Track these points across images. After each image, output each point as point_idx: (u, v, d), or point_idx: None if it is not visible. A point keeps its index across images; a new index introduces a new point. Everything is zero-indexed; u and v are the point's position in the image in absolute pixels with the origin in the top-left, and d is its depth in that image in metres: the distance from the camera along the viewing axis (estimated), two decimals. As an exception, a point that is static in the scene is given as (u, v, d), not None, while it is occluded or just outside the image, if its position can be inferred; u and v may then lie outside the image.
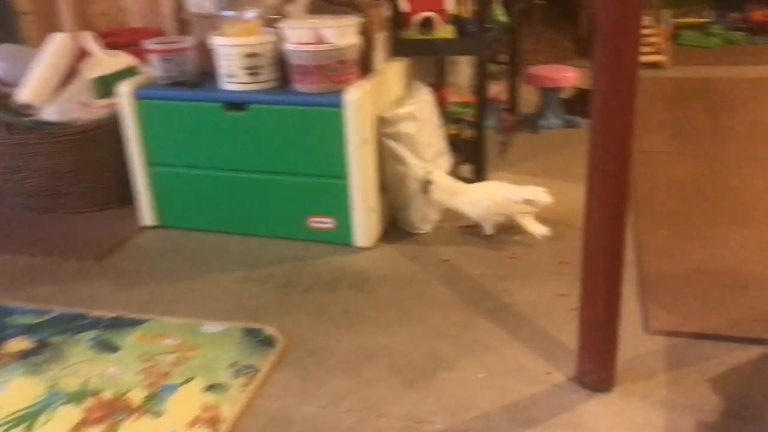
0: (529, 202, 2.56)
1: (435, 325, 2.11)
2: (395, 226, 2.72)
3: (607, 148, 1.58)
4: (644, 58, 4.89)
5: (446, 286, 2.31)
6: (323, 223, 2.60)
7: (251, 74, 2.50)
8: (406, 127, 2.57)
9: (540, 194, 2.57)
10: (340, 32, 2.41)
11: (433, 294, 2.27)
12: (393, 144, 2.56)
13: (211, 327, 2.15)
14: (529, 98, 3.83)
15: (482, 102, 2.83)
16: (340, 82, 2.44)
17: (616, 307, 1.73)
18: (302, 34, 2.42)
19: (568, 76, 3.66)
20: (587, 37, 5.06)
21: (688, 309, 2.10)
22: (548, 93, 3.72)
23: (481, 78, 2.79)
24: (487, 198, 2.55)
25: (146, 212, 2.80)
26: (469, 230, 2.67)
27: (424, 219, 2.68)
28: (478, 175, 2.91)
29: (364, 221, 2.55)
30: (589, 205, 1.66)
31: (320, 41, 2.40)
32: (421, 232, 2.68)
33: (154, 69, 2.66)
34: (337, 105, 2.41)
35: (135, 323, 2.18)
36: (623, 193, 1.62)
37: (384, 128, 2.55)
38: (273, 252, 2.59)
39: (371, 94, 2.47)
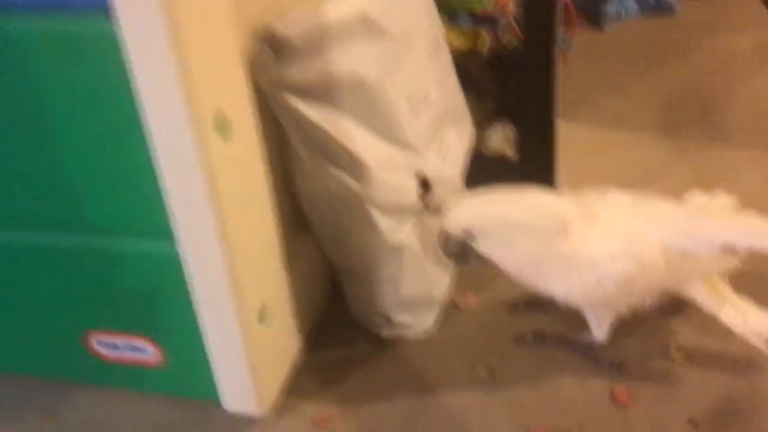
0: (730, 249, 0.88)
1: None
2: (339, 312, 1.04)
3: None
4: None
5: None
6: (131, 350, 0.91)
7: None
8: (351, 62, 0.85)
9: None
10: None
11: None
12: (316, 117, 0.85)
13: None
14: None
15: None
16: None
17: None
18: None
19: None
20: None
21: None
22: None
23: None
24: (615, 252, 0.86)
25: None
26: (532, 318, 1.01)
27: (417, 309, 1.01)
28: (536, 158, 1.21)
29: (246, 348, 0.86)
30: None
31: None
32: (408, 335, 1.01)
33: None
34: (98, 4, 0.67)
35: None
36: None
37: (283, 69, 0.83)
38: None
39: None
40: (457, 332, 1.01)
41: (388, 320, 1.01)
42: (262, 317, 0.87)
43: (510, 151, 1.26)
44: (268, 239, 0.88)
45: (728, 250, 0.88)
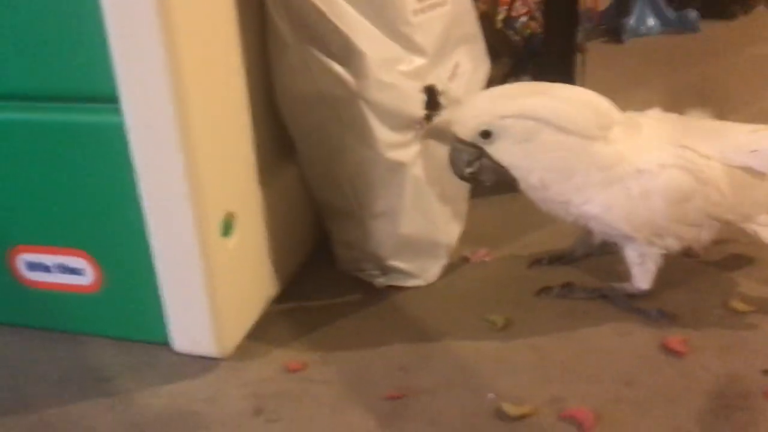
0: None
1: None
2: (324, 261, 0.86)
3: None
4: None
5: None
6: (64, 272, 0.73)
7: None
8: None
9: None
10: None
11: None
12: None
13: None
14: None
15: None
16: None
17: None
18: None
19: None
20: None
21: None
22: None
23: None
24: (665, 161, 0.70)
25: None
26: (558, 272, 0.82)
27: (418, 255, 0.83)
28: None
29: (205, 266, 0.68)
30: None
31: None
32: (412, 285, 0.83)
33: None
34: None
35: None
36: None
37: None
38: None
39: None
40: (466, 282, 0.83)
41: (384, 267, 0.83)
42: (227, 229, 0.70)
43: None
44: (239, 129, 0.72)
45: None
